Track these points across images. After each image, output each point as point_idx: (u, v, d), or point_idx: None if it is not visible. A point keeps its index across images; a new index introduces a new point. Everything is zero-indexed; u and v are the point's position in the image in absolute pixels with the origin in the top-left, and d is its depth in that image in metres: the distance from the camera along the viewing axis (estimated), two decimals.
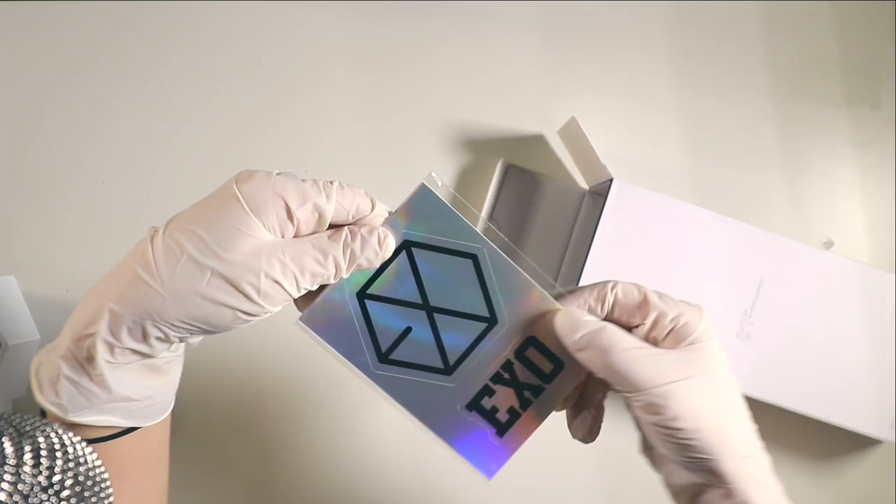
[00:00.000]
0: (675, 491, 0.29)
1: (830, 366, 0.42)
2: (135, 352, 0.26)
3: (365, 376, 0.28)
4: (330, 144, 0.46)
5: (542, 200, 0.45)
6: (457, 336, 0.28)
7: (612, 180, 0.41)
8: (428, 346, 0.28)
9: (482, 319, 0.28)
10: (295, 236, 0.26)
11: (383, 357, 0.28)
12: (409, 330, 0.28)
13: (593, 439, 0.29)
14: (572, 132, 0.43)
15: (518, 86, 0.47)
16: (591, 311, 0.28)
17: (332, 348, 0.28)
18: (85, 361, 0.26)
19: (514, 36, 0.47)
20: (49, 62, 0.45)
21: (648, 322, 0.27)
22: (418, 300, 0.28)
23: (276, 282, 0.25)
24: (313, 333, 0.28)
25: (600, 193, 0.43)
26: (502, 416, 0.29)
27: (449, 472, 0.46)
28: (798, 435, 0.46)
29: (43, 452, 0.31)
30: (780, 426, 0.46)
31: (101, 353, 0.25)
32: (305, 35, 0.46)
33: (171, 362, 0.28)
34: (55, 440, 0.32)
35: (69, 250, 0.45)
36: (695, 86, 0.47)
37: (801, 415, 0.42)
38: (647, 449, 0.29)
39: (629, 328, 0.27)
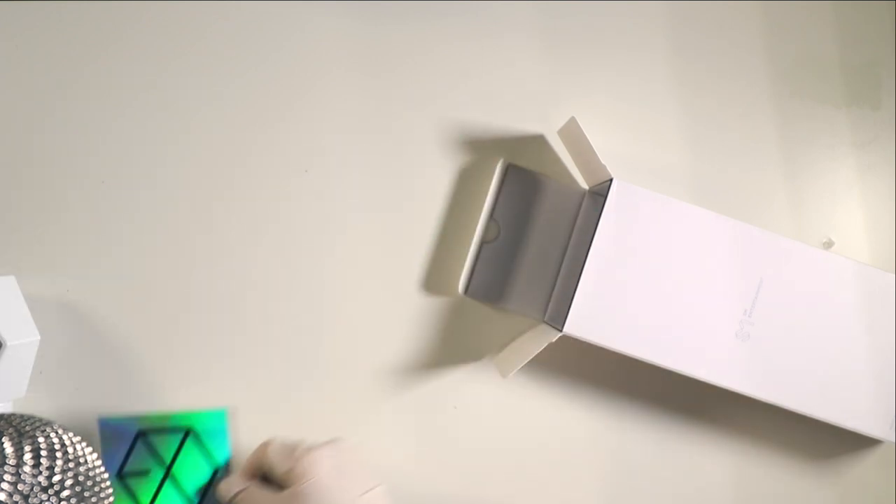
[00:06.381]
0: None
1: (830, 366, 0.42)
2: None
3: None
4: (330, 145, 0.46)
5: (542, 200, 0.45)
6: None
7: (612, 180, 0.41)
8: None
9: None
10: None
11: None
12: None
13: None
14: (572, 132, 0.43)
15: (518, 86, 0.47)
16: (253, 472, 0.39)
17: None
18: None
19: (514, 36, 0.46)
20: (50, 61, 0.45)
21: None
22: None
23: None
24: None
25: (600, 193, 0.43)
26: None
27: (447, 475, 0.46)
28: (798, 435, 0.46)
29: (43, 452, 0.31)
30: (781, 426, 0.46)
31: None
32: (305, 36, 0.46)
33: None
34: (55, 440, 0.32)
35: (69, 250, 0.45)
36: (695, 85, 0.47)
37: (801, 415, 0.42)
38: None
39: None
